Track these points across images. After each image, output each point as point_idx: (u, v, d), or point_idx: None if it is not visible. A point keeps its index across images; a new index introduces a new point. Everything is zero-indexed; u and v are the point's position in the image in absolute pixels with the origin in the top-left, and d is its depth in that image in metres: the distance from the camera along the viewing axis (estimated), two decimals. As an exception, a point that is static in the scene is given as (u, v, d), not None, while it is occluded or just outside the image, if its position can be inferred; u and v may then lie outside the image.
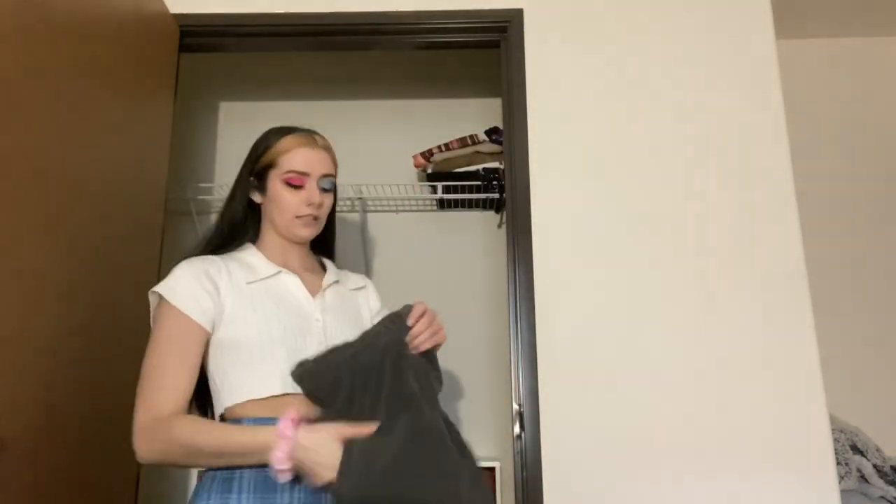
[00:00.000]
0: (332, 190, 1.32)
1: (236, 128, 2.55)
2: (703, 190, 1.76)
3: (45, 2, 1.27)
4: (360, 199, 2.30)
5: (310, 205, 1.25)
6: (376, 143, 2.48)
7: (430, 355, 1.21)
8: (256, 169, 1.29)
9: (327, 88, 2.58)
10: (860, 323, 2.41)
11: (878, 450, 1.96)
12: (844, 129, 2.60)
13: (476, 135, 2.30)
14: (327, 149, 1.31)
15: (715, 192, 1.76)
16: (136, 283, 1.61)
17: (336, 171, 1.33)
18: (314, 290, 1.28)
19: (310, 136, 1.29)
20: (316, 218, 1.28)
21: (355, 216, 2.39)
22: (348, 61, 2.57)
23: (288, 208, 1.25)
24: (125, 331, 1.55)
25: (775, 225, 1.73)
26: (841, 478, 1.83)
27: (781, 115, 1.81)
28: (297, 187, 1.25)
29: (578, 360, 1.65)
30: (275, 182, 1.26)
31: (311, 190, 1.26)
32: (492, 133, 2.29)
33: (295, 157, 1.25)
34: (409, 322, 1.16)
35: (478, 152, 2.29)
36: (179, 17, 1.88)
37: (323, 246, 1.42)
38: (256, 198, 1.30)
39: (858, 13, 2.55)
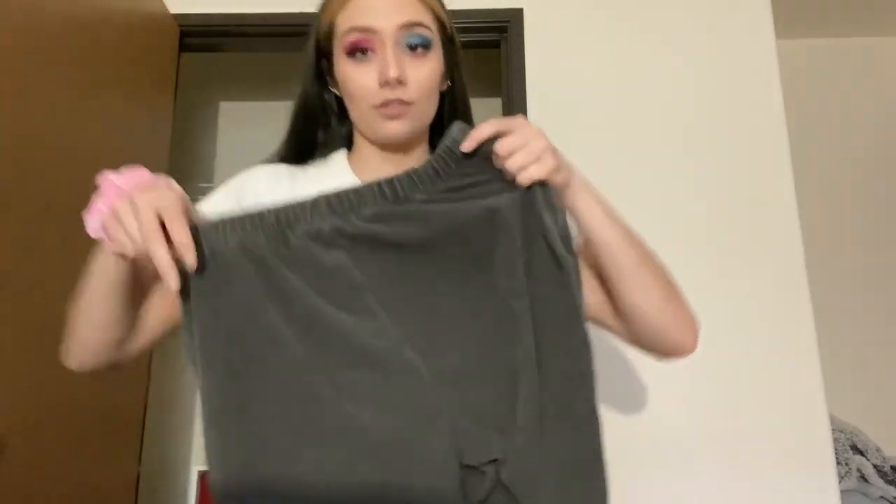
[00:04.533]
0: (428, 47, 0.81)
1: (236, 128, 2.56)
2: (704, 190, 1.76)
3: (44, 2, 1.27)
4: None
5: (385, 82, 0.77)
6: (376, 143, 2.48)
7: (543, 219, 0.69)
8: (322, 45, 0.85)
9: (327, 88, 2.58)
10: (860, 322, 2.41)
11: (878, 450, 1.97)
12: (844, 130, 2.60)
13: (476, 135, 2.30)
14: None
15: (715, 193, 1.76)
16: (136, 283, 1.61)
17: (435, 18, 0.84)
18: None
19: None
20: (406, 102, 0.80)
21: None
22: (348, 61, 2.57)
23: (358, 94, 0.81)
24: (125, 331, 1.55)
25: (775, 224, 1.73)
26: (841, 478, 1.83)
27: (781, 115, 1.81)
28: (363, 54, 0.79)
29: (578, 360, 1.65)
30: (339, 57, 0.82)
31: (386, 56, 0.78)
32: (492, 133, 2.28)
33: (353, 8, 0.80)
34: (465, 146, 0.68)
35: (478, 152, 2.29)
36: (179, 17, 1.88)
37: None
38: (335, 89, 0.88)
39: (858, 13, 2.55)
